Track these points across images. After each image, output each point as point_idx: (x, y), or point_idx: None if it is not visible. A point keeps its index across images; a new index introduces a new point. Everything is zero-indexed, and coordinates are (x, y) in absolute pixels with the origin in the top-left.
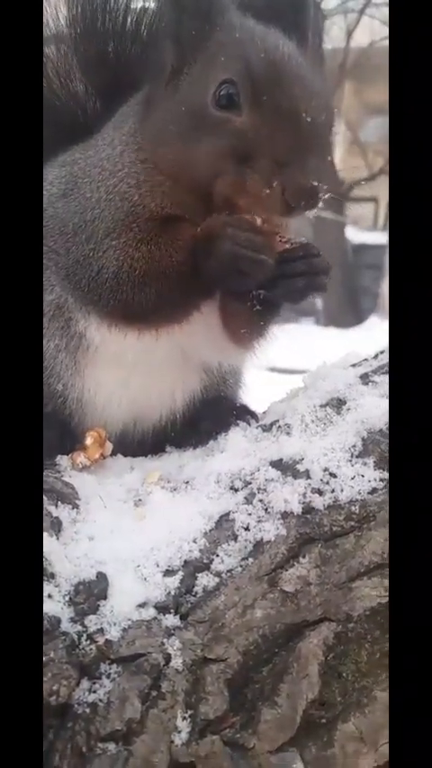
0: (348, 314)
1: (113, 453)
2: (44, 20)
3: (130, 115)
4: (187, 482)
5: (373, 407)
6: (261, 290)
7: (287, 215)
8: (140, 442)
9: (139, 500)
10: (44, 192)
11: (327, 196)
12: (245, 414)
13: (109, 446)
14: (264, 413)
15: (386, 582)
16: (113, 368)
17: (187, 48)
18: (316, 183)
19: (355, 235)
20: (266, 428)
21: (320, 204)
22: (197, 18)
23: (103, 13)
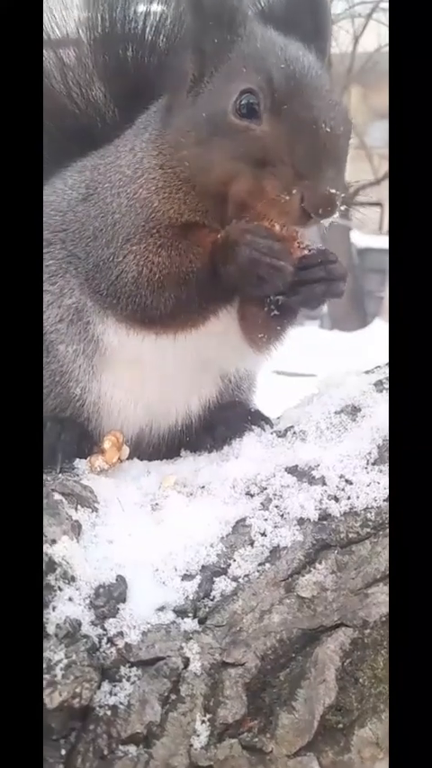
0: (353, 317)
1: (129, 457)
2: (63, 28)
3: (151, 122)
4: (203, 487)
5: (389, 416)
6: (280, 295)
7: (305, 223)
8: (156, 446)
9: (156, 504)
10: (64, 197)
11: (343, 207)
12: (259, 419)
13: (126, 450)
14: (278, 418)
15: None
16: (130, 372)
17: (209, 57)
18: (334, 191)
19: (360, 239)
20: (281, 434)
21: (337, 213)
22: (219, 28)
23: (122, 22)
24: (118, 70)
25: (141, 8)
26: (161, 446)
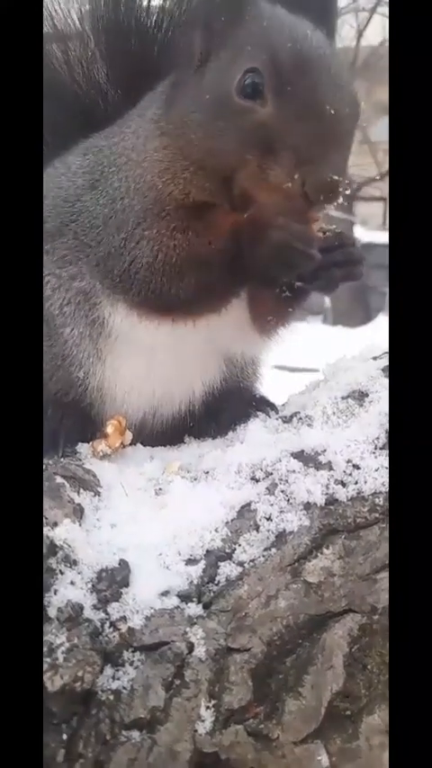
0: (356, 313)
1: (133, 443)
2: (66, 8)
3: (155, 102)
4: (207, 472)
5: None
6: (300, 281)
7: (308, 208)
8: (160, 432)
9: (160, 489)
10: (71, 184)
11: (348, 191)
12: (264, 405)
13: (129, 435)
14: (283, 405)
15: None
16: (136, 357)
17: (216, 36)
18: (337, 178)
19: (363, 234)
20: (287, 420)
21: (341, 199)
22: (227, 6)
23: (126, 3)
24: (122, 51)
25: None
26: (165, 432)
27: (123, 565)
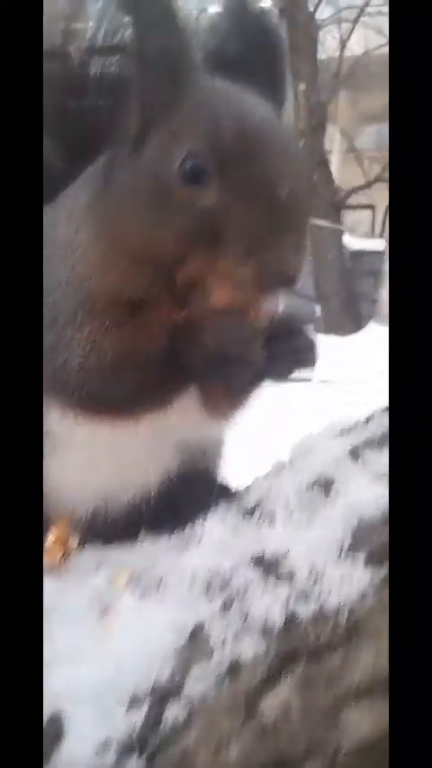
0: (347, 321)
1: (83, 541)
2: None
3: (89, 185)
4: (159, 583)
5: (364, 491)
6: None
7: (260, 296)
8: (113, 523)
9: (106, 608)
10: None
11: (300, 283)
12: (224, 494)
13: (73, 541)
14: (247, 488)
15: (379, 707)
16: (78, 456)
17: (150, 113)
18: (294, 272)
19: (352, 242)
20: (248, 512)
21: (298, 284)
22: (162, 79)
23: (63, 70)
24: (59, 122)
25: (82, 55)
26: (119, 521)
27: (55, 718)
